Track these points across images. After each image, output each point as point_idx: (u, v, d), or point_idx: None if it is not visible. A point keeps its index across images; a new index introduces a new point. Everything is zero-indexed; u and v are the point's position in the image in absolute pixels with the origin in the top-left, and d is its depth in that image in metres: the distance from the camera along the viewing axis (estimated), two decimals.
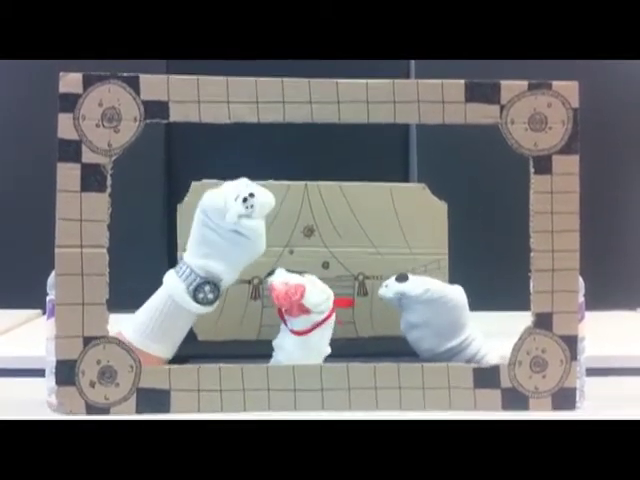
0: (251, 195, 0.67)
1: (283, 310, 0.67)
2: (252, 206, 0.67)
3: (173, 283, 0.68)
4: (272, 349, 0.71)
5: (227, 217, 0.67)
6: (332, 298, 0.69)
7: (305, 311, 0.67)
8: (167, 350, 0.69)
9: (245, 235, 0.68)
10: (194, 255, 0.69)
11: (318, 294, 0.68)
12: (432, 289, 0.71)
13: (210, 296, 0.68)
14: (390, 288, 0.72)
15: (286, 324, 0.69)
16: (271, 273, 0.70)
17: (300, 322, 0.68)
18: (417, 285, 0.71)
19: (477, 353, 0.72)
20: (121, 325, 0.66)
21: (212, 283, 0.68)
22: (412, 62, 1.20)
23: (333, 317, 0.69)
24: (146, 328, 0.68)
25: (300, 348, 0.68)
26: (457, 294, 0.72)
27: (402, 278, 0.72)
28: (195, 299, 0.68)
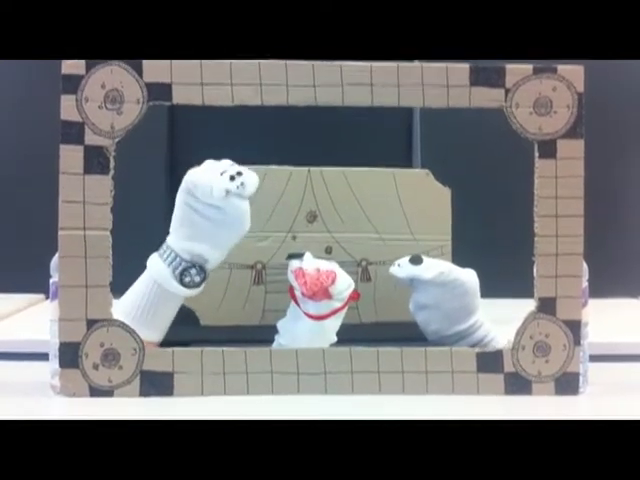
0: (239, 174, 0.66)
1: (305, 294, 0.67)
2: (242, 184, 0.66)
3: (158, 268, 0.68)
4: (274, 334, 0.71)
5: (214, 192, 0.65)
6: (352, 287, 0.69)
7: (329, 296, 0.67)
8: (156, 334, 0.69)
9: (229, 214, 0.67)
10: (177, 238, 0.68)
11: (343, 281, 0.68)
12: (446, 272, 0.71)
13: (197, 279, 0.68)
14: (403, 269, 0.72)
15: (299, 306, 0.69)
16: (294, 256, 0.70)
17: (319, 306, 0.68)
18: (430, 268, 0.71)
19: (484, 338, 0.72)
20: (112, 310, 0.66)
21: (198, 266, 0.68)
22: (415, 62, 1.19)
23: (346, 307, 0.69)
24: (135, 314, 0.68)
25: (315, 332, 0.68)
26: (470, 278, 0.72)
27: (416, 260, 0.71)
28: (182, 283, 0.68)
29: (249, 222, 0.68)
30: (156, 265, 0.68)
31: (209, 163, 0.68)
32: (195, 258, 0.68)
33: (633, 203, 1.26)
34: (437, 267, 0.71)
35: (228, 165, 0.67)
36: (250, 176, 0.67)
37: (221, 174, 0.66)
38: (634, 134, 1.26)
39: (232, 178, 0.65)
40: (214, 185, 0.65)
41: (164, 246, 0.69)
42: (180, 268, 0.67)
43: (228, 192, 0.65)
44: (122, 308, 0.68)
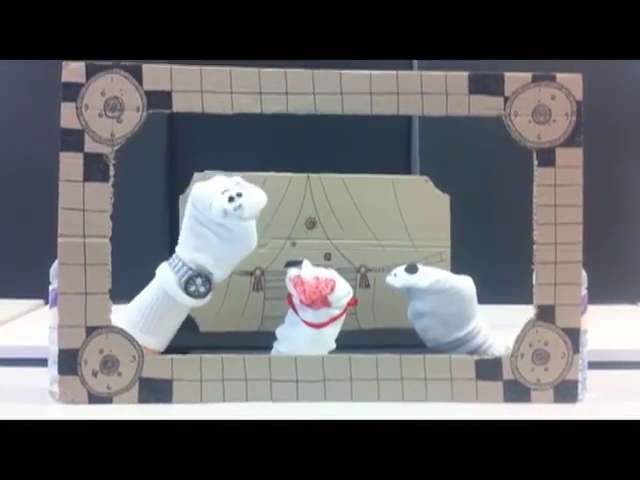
0: (238, 195, 0.65)
1: (303, 303, 0.67)
2: (240, 206, 0.65)
3: (165, 275, 0.68)
4: (273, 340, 0.71)
5: (212, 211, 0.66)
6: (351, 294, 0.69)
7: (327, 304, 0.67)
8: (160, 343, 0.69)
9: (234, 232, 0.67)
10: (185, 248, 0.68)
11: (342, 289, 0.68)
12: (442, 280, 0.71)
13: (202, 289, 0.68)
14: (399, 278, 0.72)
15: (298, 314, 0.69)
16: (292, 263, 0.70)
17: (318, 314, 0.68)
18: (426, 277, 0.71)
19: (482, 344, 0.72)
20: (115, 317, 0.66)
21: (203, 276, 0.68)
22: (415, 61, 1.19)
23: (345, 314, 0.69)
24: (139, 321, 0.68)
25: (314, 340, 0.68)
26: (466, 285, 0.72)
27: (412, 269, 0.72)
28: (187, 292, 0.68)
29: (255, 240, 0.69)
30: (165, 274, 0.68)
31: (217, 178, 0.68)
32: (201, 269, 0.68)
33: (632, 210, 1.27)
34: (433, 275, 0.71)
35: (233, 183, 0.67)
36: (251, 197, 0.66)
37: (222, 192, 0.66)
38: (633, 141, 1.26)
39: (231, 199, 0.65)
40: (213, 204, 0.66)
41: (174, 255, 0.69)
42: (186, 277, 0.68)
43: (225, 213, 0.66)
44: (128, 315, 0.69)
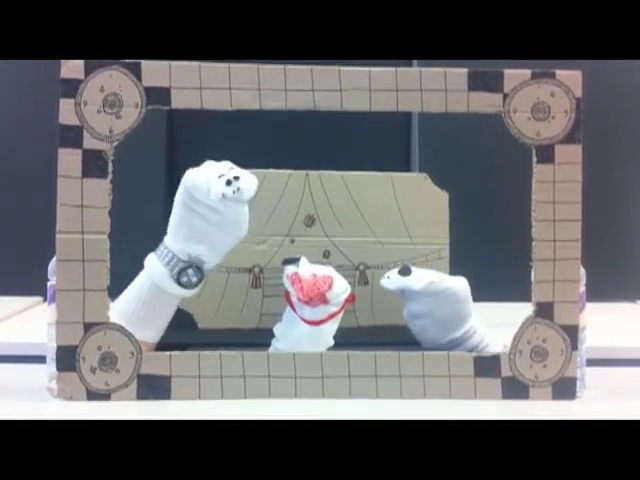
0: (236, 178, 0.66)
1: (301, 300, 0.67)
2: (239, 189, 0.65)
3: (155, 268, 0.68)
4: (272, 338, 0.71)
5: (211, 195, 0.65)
6: (349, 291, 0.69)
7: (325, 301, 0.67)
8: (153, 335, 0.69)
9: (226, 217, 0.67)
10: (175, 238, 0.68)
11: (340, 286, 0.68)
12: (436, 282, 0.71)
13: (194, 279, 0.68)
14: (392, 281, 0.72)
15: (295, 312, 0.69)
16: (289, 260, 0.70)
17: (316, 311, 0.68)
18: (420, 279, 0.71)
19: (479, 344, 0.72)
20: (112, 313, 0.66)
21: (195, 266, 0.68)
22: (415, 61, 1.19)
23: (343, 311, 0.69)
24: (131, 314, 0.68)
25: (312, 337, 0.68)
26: (461, 286, 0.72)
27: (405, 272, 0.71)
28: (179, 283, 0.68)
29: (247, 226, 0.68)
30: (154, 265, 0.68)
31: (208, 164, 0.68)
32: (193, 259, 0.68)
33: (631, 207, 1.27)
34: (427, 277, 0.71)
35: (227, 168, 0.67)
36: (247, 181, 0.66)
37: (219, 177, 0.66)
38: (633, 138, 1.26)
39: (229, 183, 0.65)
40: (211, 187, 0.65)
41: (161, 246, 0.69)
42: (177, 268, 0.68)
43: (224, 196, 0.66)
44: (119, 308, 0.68)
